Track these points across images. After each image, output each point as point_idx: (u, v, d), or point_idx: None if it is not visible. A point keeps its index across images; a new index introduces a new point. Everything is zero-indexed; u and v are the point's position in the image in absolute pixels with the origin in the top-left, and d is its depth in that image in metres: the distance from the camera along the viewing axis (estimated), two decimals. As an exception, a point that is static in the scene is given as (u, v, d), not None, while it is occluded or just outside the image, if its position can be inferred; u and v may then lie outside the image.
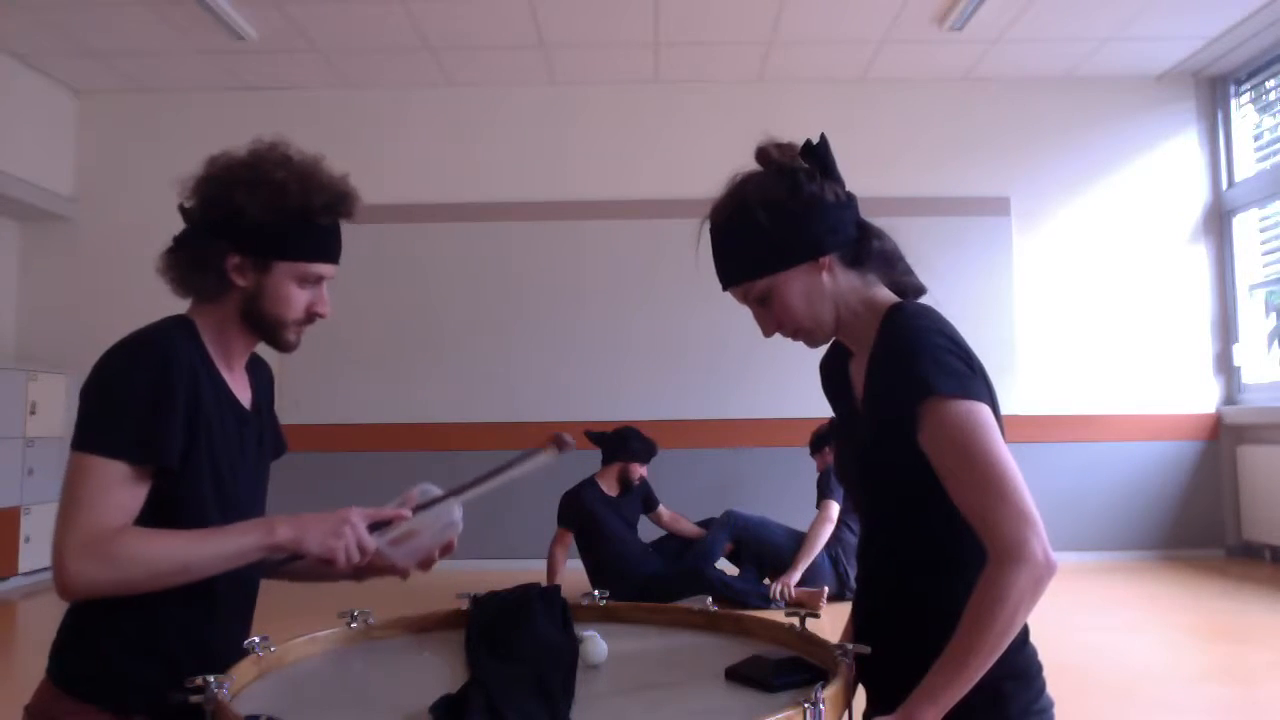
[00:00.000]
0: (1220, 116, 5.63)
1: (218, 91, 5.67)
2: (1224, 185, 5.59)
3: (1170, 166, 5.61)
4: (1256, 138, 5.53)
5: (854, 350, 1.30)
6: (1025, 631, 1.19)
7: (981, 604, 1.06)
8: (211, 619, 1.34)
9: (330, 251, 1.42)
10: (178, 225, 1.43)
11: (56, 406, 5.29)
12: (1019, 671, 1.18)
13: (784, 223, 1.21)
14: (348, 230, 1.48)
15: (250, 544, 1.24)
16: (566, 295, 5.53)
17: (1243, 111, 5.59)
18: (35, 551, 5.00)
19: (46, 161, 5.47)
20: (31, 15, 4.68)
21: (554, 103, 5.67)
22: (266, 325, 1.39)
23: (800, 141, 1.28)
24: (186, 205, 1.40)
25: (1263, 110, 5.51)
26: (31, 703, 1.32)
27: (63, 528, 1.20)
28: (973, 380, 1.15)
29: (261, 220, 1.33)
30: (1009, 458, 1.10)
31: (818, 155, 1.24)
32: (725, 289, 1.28)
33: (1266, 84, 5.41)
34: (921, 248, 1.37)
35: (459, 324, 5.46)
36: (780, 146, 1.26)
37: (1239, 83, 5.57)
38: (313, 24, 4.85)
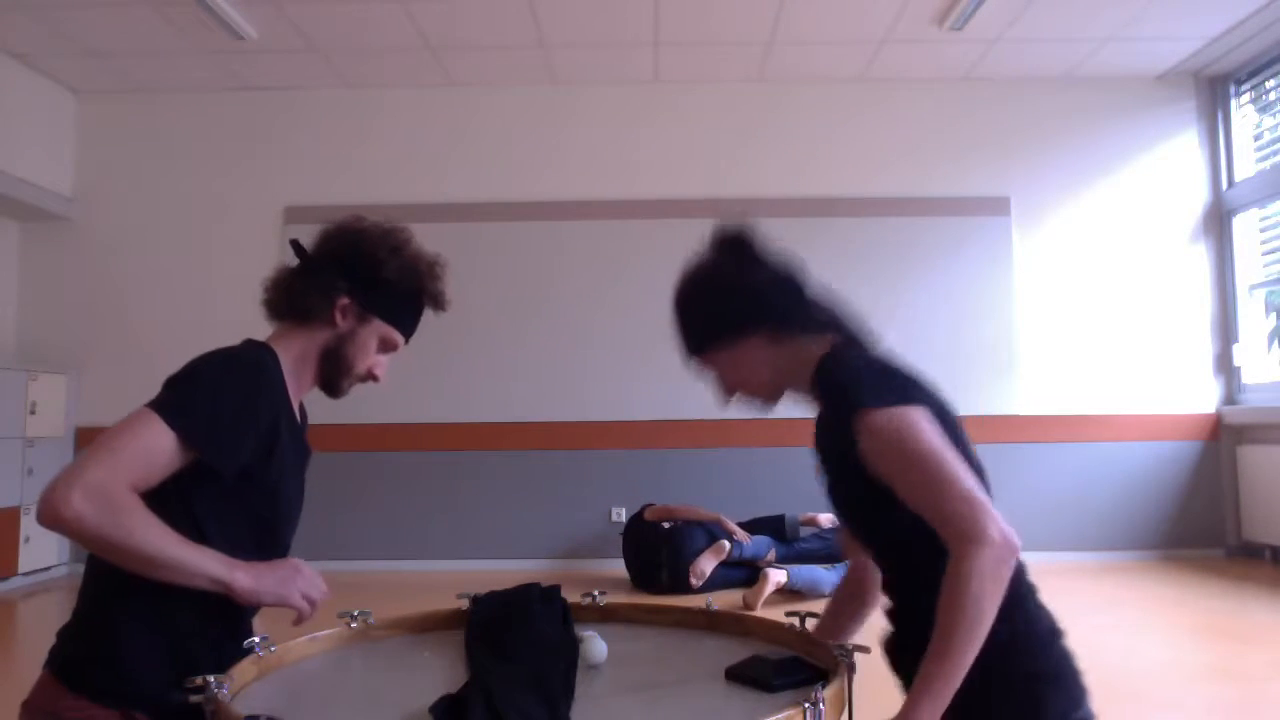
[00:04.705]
0: (1220, 116, 5.62)
1: (218, 91, 5.67)
2: (1224, 185, 5.58)
3: (1170, 166, 5.61)
4: (1256, 138, 5.53)
5: (808, 402, 1.40)
6: (1053, 628, 1.20)
7: (948, 595, 1.07)
8: (226, 621, 1.34)
9: (413, 330, 1.59)
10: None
11: (56, 406, 5.30)
12: (1051, 672, 1.18)
13: (715, 305, 1.38)
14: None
15: (209, 571, 1.26)
16: (566, 295, 5.53)
17: (1243, 111, 5.59)
18: (35, 551, 5.01)
19: (46, 161, 5.47)
20: (31, 15, 4.68)
21: (554, 102, 5.67)
22: (339, 367, 1.51)
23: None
24: (305, 247, 1.54)
25: (1263, 110, 5.51)
26: (30, 698, 1.32)
27: (88, 460, 1.22)
28: (899, 389, 1.21)
29: (390, 280, 1.50)
30: (945, 450, 1.13)
31: (746, 245, 1.38)
32: (684, 362, 1.46)
33: (1266, 84, 5.41)
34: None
35: (456, 324, 5.45)
36: (716, 235, 1.40)
37: (1239, 83, 5.57)
38: (313, 24, 4.85)
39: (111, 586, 1.31)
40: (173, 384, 1.34)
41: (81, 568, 1.39)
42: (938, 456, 1.12)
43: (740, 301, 1.36)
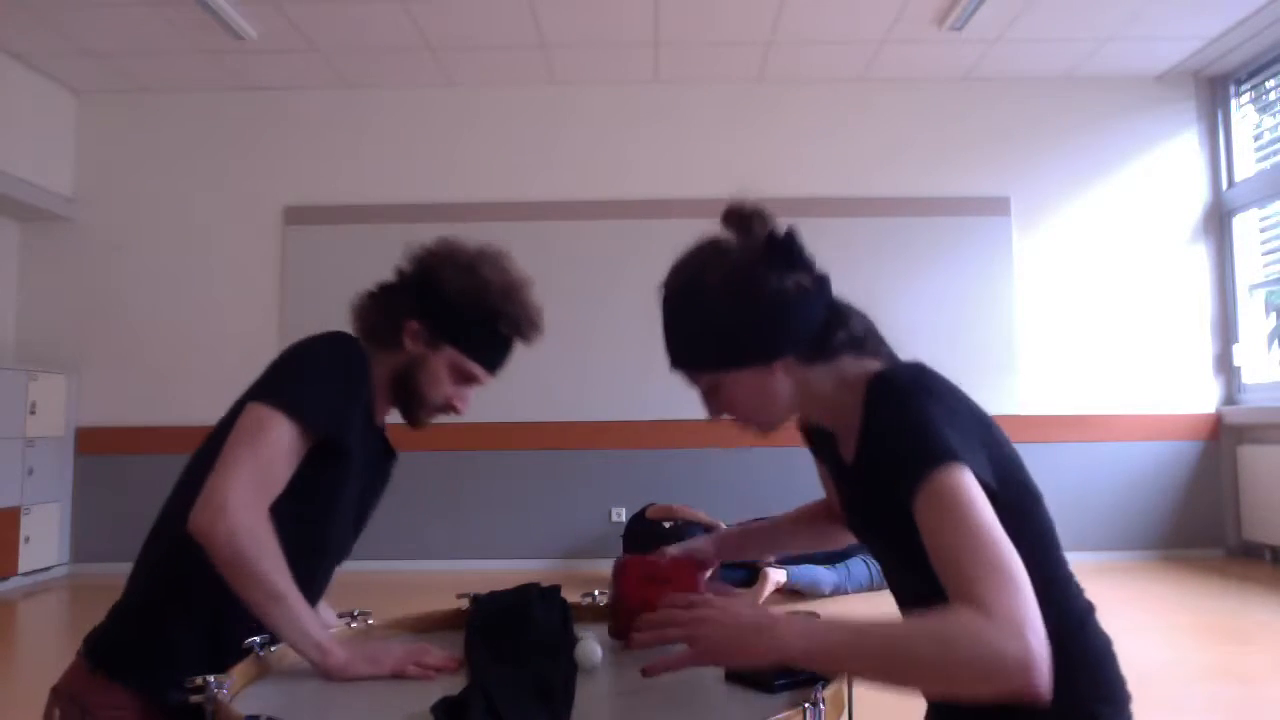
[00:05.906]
0: (1220, 116, 5.62)
1: (218, 91, 5.67)
2: (1224, 185, 5.58)
3: (1170, 166, 5.61)
4: (1256, 138, 5.53)
5: (831, 429, 1.21)
6: (1112, 652, 1.13)
7: (936, 620, 0.90)
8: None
9: (494, 362, 1.47)
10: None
11: (56, 406, 5.30)
12: (1111, 695, 1.11)
13: (738, 320, 1.10)
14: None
15: (314, 631, 1.19)
16: (566, 295, 5.52)
17: (1243, 111, 5.59)
18: (35, 551, 5.00)
19: (46, 161, 5.47)
20: (31, 15, 4.68)
21: (554, 102, 5.67)
22: (409, 396, 1.43)
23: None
24: (404, 268, 1.45)
25: (1263, 110, 5.51)
26: (61, 684, 1.32)
27: (234, 472, 1.19)
28: (964, 436, 1.02)
29: (454, 303, 1.39)
30: (1000, 534, 0.94)
31: (785, 245, 1.13)
32: (671, 369, 1.19)
33: (1266, 84, 5.41)
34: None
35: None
36: (747, 222, 1.14)
37: (1239, 83, 5.57)
38: (313, 24, 4.85)
39: (168, 584, 1.30)
40: (284, 366, 1.32)
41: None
42: (993, 537, 0.92)
43: (782, 316, 1.10)
